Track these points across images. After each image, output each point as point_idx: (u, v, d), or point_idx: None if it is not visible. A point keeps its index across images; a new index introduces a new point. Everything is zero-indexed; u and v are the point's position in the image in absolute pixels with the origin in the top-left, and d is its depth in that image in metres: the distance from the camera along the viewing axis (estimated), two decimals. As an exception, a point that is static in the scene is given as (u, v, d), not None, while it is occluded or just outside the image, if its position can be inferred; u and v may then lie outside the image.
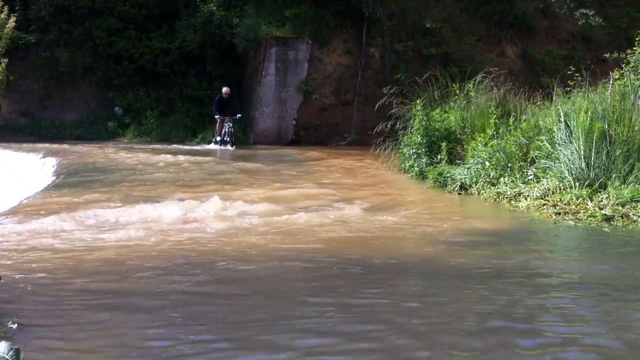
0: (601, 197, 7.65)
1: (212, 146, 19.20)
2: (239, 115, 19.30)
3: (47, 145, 18.40)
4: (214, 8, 22.95)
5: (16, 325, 3.84)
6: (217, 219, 7.39)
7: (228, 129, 18.84)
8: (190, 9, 23.51)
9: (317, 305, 4.35)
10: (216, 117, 19.13)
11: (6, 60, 4.48)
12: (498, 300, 4.52)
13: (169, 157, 14.66)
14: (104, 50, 23.20)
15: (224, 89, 19.37)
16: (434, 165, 10.64)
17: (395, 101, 11.92)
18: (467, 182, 9.45)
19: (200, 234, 6.65)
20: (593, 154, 8.04)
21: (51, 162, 14.16)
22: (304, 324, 4.00)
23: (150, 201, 8.34)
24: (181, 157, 14.64)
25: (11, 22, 4.37)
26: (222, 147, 18.67)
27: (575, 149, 8.19)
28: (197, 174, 11.98)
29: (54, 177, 12.00)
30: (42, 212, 7.84)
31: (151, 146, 18.85)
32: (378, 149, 11.98)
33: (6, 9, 4.41)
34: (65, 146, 17.98)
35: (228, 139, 18.76)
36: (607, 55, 13.06)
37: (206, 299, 4.53)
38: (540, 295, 4.70)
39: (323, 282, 4.99)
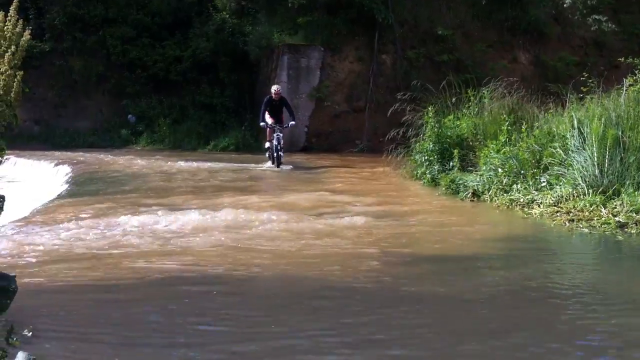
0: (615, 203, 7.61)
1: (269, 164, 14.77)
2: (292, 122, 14.95)
3: (60, 153, 18.52)
4: (227, 16, 23.03)
5: (32, 333, 3.87)
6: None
7: (277, 139, 14.25)
8: (203, 17, 23.60)
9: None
10: (262, 124, 14.60)
11: (21, 72, 4.50)
12: (512, 314, 4.51)
13: (181, 164, 14.71)
14: (117, 58, 23.34)
15: (274, 88, 14.91)
16: (446, 172, 10.61)
17: (407, 108, 11.90)
18: (480, 189, 9.42)
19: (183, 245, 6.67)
20: (607, 161, 8.00)
21: (65, 170, 14.24)
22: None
23: (163, 209, 8.37)
24: (195, 165, 14.67)
25: (26, 35, 4.40)
26: (270, 167, 14.55)
27: (589, 155, 8.14)
28: (209, 181, 12.01)
29: (67, 185, 12.07)
30: (56, 220, 7.89)
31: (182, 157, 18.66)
32: (390, 156, 11.97)
33: (21, 21, 4.45)
34: (79, 154, 18.09)
35: (275, 154, 14.38)
36: (622, 59, 12.96)
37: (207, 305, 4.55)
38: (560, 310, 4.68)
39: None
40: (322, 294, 4.91)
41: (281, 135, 14.35)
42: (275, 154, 14.31)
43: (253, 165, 15.04)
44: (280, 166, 14.22)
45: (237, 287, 5.16)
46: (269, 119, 14.43)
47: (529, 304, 4.69)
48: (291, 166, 14.48)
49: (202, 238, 6.77)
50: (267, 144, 14.80)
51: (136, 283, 5.14)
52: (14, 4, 4.30)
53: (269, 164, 14.66)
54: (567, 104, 9.97)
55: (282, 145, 14.34)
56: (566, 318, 4.35)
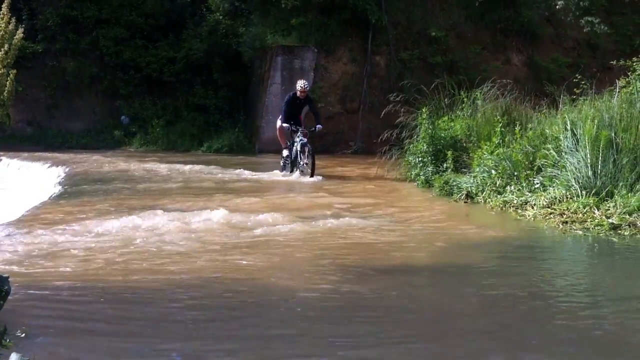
0: (608, 205, 7.63)
1: (285, 172, 12.95)
2: (319, 126, 12.79)
3: (53, 154, 18.44)
4: (220, 17, 23.01)
5: (24, 334, 3.85)
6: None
7: (301, 145, 12.42)
8: (196, 18, 23.57)
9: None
10: (284, 125, 12.73)
11: (14, 71, 4.47)
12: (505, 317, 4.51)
13: (175, 166, 14.67)
14: (110, 59, 23.27)
15: (300, 83, 13.01)
16: (440, 173, 10.62)
17: (401, 109, 11.90)
18: (473, 191, 9.44)
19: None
20: (600, 162, 8.02)
21: (58, 172, 14.18)
22: None
23: (154, 210, 8.34)
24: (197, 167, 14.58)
25: (19, 34, 4.37)
26: (290, 175, 12.62)
27: (582, 157, 8.17)
28: (202, 183, 11.98)
29: (60, 187, 12.01)
30: (49, 222, 7.85)
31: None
32: (384, 158, 11.96)
33: (14, 20, 4.42)
34: (72, 155, 18.01)
35: (302, 162, 12.42)
36: (614, 62, 13.01)
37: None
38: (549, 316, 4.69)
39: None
40: (306, 303, 4.91)
41: (305, 140, 12.41)
42: (301, 161, 12.39)
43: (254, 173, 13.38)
44: (313, 176, 12.13)
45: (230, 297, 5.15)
46: (286, 121, 12.72)
47: (521, 307, 4.69)
48: (321, 177, 12.31)
49: (196, 239, 6.76)
50: (286, 152, 12.94)
51: (134, 284, 5.13)
52: (5, 2, 4.29)
53: (285, 172, 12.89)
54: (560, 105, 10.00)
55: (310, 151, 12.33)
56: (560, 322, 4.35)
